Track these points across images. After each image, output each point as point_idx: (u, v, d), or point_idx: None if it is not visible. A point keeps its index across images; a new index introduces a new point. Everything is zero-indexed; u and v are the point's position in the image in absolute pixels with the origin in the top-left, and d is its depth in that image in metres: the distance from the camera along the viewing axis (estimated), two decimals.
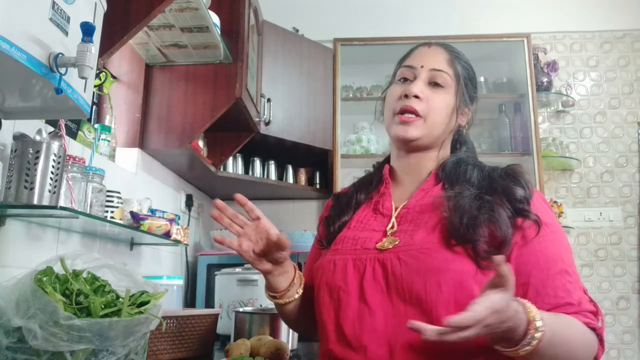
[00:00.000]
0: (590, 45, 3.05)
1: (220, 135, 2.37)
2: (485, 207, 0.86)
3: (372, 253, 0.90)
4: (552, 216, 0.91)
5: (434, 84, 0.97)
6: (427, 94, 0.96)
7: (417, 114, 0.95)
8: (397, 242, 0.89)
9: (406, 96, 0.95)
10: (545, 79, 2.89)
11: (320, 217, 1.11)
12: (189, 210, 2.37)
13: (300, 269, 1.00)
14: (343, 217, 1.03)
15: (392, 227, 0.94)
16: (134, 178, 1.83)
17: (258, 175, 2.64)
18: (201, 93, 1.92)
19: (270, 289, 0.96)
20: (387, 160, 1.10)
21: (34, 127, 1.08)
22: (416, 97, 0.95)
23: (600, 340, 0.82)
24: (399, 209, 0.96)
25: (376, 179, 1.07)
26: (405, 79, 0.99)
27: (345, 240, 0.96)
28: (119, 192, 1.46)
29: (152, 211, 1.65)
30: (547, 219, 0.88)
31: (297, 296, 0.97)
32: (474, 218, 0.84)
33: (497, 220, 0.84)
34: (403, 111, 0.96)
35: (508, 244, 0.83)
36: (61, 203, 1.12)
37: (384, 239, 0.91)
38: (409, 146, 0.99)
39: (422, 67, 0.98)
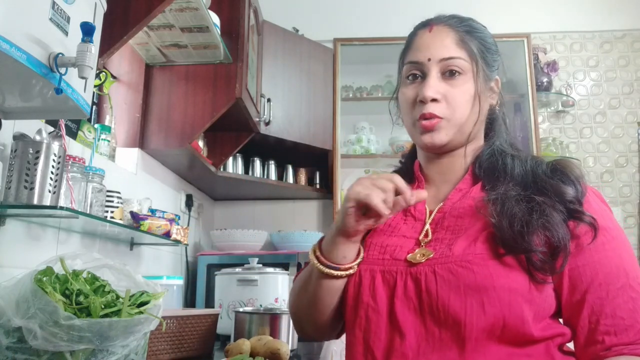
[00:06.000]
0: (590, 45, 3.05)
1: (220, 135, 2.37)
2: (537, 210, 0.74)
3: (403, 265, 0.78)
4: (610, 218, 0.78)
5: (449, 74, 0.83)
6: (444, 90, 0.82)
7: (438, 117, 0.83)
8: (431, 255, 0.76)
9: (422, 101, 0.83)
10: (545, 79, 2.89)
11: None
12: (189, 210, 2.37)
13: (320, 243, 0.87)
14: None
15: (427, 235, 0.81)
16: (134, 178, 1.83)
17: (258, 175, 2.64)
18: (201, 93, 1.92)
19: (336, 258, 0.81)
20: (414, 153, 0.96)
21: (34, 127, 1.08)
22: (433, 100, 0.82)
23: None
24: (433, 213, 0.84)
25: (406, 178, 0.91)
26: (414, 76, 0.86)
27: (371, 247, 0.84)
28: (119, 192, 1.46)
29: (152, 211, 1.65)
30: (605, 222, 0.75)
31: (355, 269, 0.83)
32: (526, 224, 0.72)
33: (551, 225, 0.72)
34: (423, 118, 0.83)
35: (566, 251, 0.72)
36: (61, 203, 1.12)
37: (417, 250, 0.79)
38: (440, 151, 0.88)
39: (429, 60, 0.83)
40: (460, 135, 0.85)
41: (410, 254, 0.79)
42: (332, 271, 0.81)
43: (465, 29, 0.86)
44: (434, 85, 0.82)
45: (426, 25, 0.88)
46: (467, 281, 0.71)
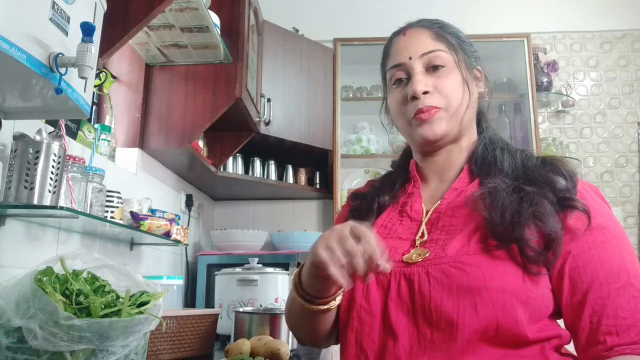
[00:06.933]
0: (590, 45, 3.05)
1: (220, 135, 2.37)
2: (527, 200, 0.74)
3: (398, 266, 0.77)
4: (609, 215, 0.76)
5: (433, 68, 0.84)
6: (432, 83, 0.83)
7: (436, 107, 0.83)
8: (427, 255, 0.76)
9: (414, 97, 0.83)
10: (545, 79, 2.89)
11: (337, 220, 0.98)
12: (189, 210, 2.37)
13: (300, 270, 0.86)
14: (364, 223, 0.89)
15: (422, 235, 0.81)
16: (134, 178, 1.83)
17: (258, 175, 2.64)
18: (201, 93, 1.92)
19: (316, 293, 0.77)
20: (408, 154, 0.97)
21: (34, 127, 1.08)
22: (425, 92, 0.83)
23: None
24: (429, 213, 0.84)
25: (402, 178, 0.94)
26: (400, 80, 0.87)
27: None
28: (119, 192, 1.46)
29: (152, 211, 1.65)
30: (604, 220, 0.75)
31: (338, 301, 0.81)
32: (517, 214, 0.72)
33: (542, 214, 0.72)
34: (419, 112, 0.83)
35: (558, 241, 0.71)
36: (61, 203, 1.12)
37: (412, 250, 0.79)
38: (438, 145, 0.87)
39: (410, 58, 0.85)
40: (458, 125, 0.86)
41: (406, 255, 0.79)
42: (315, 307, 0.78)
43: (438, 25, 0.89)
44: (422, 80, 0.83)
45: (400, 32, 0.91)
46: (460, 282, 0.71)
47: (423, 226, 0.83)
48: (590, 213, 0.73)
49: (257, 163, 2.67)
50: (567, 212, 0.74)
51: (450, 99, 0.84)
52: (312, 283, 0.77)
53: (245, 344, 1.32)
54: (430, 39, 0.86)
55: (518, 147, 0.87)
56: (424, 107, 0.83)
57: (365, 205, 0.93)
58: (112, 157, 1.69)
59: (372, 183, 0.99)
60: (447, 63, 0.85)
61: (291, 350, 1.45)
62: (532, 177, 0.78)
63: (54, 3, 0.80)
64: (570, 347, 0.77)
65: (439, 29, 0.88)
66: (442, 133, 0.84)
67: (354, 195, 0.98)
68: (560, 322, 0.78)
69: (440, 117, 0.83)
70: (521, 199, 0.74)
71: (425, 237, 0.80)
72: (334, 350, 1.73)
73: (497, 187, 0.77)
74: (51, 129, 1.23)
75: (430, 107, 0.83)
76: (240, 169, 2.61)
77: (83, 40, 0.83)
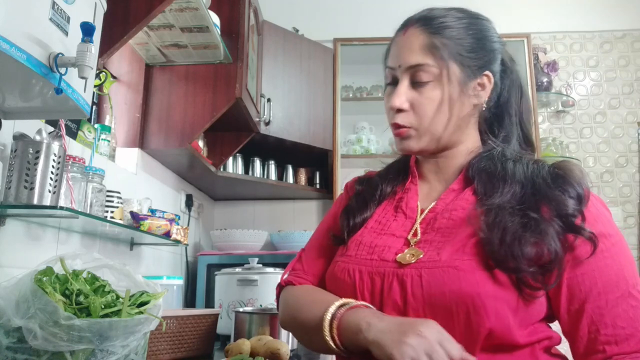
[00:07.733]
0: (590, 45, 3.05)
1: (220, 135, 2.37)
2: (531, 226, 0.71)
3: (391, 266, 0.76)
4: (610, 224, 0.76)
5: (418, 81, 0.82)
6: (412, 98, 0.82)
7: (406, 127, 0.83)
8: (421, 256, 0.75)
9: (391, 110, 0.84)
10: (545, 79, 2.89)
11: (336, 204, 0.99)
12: (189, 210, 2.37)
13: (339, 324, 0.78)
14: (365, 212, 0.89)
15: (415, 234, 0.81)
16: (134, 178, 1.83)
17: (258, 175, 2.64)
18: (201, 93, 1.92)
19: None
20: None
21: (34, 127, 1.08)
22: (400, 110, 0.83)
23: None
24: (425, 212, 0.83)
25: (403, 171, 0.93)
26: (392, 81, 0.86)
27: (360, 247, 0.83)
28: (119, 192, 1.46)
29: (152, 211, 1.65)
30: (605, 229, 0.74)
31: None
32: (518, 239, 0.70)
33: (545, 242, 0.70)
34: (393, 127, 0.85)
35: (560, 268, 0.70)
36: (61, 203, 1.12)
37: (406, 250, 0.78)
38: (422, 154, 0.88)
39: (399, 66, 0.83)
40: (436, 142, 0.84)
41: (399, 255, 0.78)
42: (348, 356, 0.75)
43: (440, 27, 0.83)
44: (402, 95, 0.82)
45: (403, 26, 0.87)
46: (453, 287, 0.70)
47: (417, 225, 0.82)
48: (596, 239, 0.71)
49: (257, 163, 2.67)
50: (572, 236, 0.72)
51: (422, 119, 0.82)
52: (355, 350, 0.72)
53: (245, 344, 1.32)
54: (422, 49, 0.82)
55: (532, 158, 0.83)
56: (394, 123, 0.84)
57: (369, 192, 0.92)
58: (112, 157, 1.69)
59: (379, 173, 0.97)
60: (434, 77, 0.81)
61: (291, 350, 1.45)
62: (539, 199, 0.75)
63: (54, 3, 0.80)
64: (561, 348, 0.77)
65: (439, 35, 0.82)
66: (414, 150, 0.85)
67: (360, 181, 0.98)
68: (553, 325, 0.77)
69: (409, 136, 0.84)
70: (525, 224, 0.72)
71: (419, 237, 0.80)
72: None
73: (501, 206, 0.75)
74: (51, 129, 1.23)
75: (399, 125, 0.83)
76: (240, 169, 2.61)
77: (83, 40, 0.83)
